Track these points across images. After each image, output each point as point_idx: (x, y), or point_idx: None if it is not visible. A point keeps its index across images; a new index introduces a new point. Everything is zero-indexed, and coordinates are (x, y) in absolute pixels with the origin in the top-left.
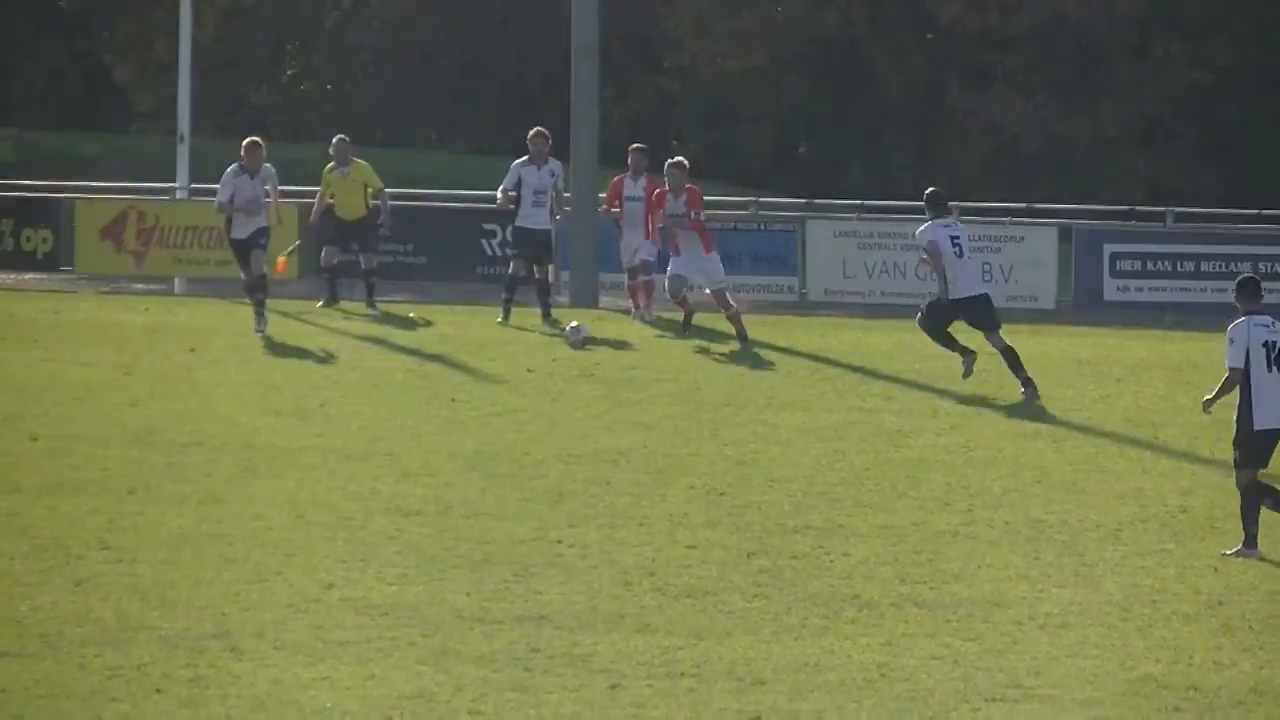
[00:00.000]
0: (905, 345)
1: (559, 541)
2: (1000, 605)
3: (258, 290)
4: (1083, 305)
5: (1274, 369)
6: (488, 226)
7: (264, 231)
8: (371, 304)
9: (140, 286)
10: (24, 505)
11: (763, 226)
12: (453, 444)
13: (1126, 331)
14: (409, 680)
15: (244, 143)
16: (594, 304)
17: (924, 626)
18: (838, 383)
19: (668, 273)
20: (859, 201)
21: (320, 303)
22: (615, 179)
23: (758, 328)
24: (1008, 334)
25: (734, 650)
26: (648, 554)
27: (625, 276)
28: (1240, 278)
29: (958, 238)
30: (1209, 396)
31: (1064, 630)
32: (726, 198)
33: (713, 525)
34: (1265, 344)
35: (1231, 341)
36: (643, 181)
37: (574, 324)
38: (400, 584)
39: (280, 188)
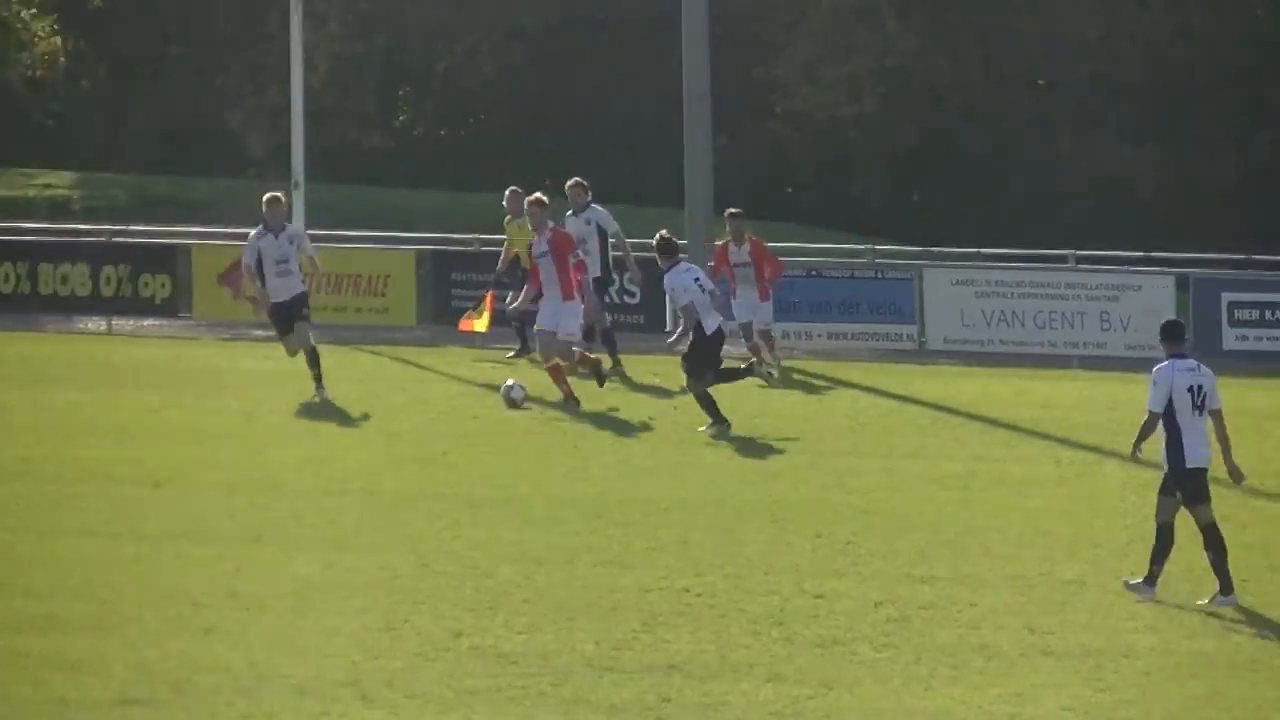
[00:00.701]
0: (1025, 394)
1: (687, 590)
2: (1129, 656)
3: (312, 364)
4: (1201, 354)
5: (1197, 411)
6: None
7: (303, 298)
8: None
9: (259, 333)
10: (151, 552)
11: (880, 274)
12: (577, 492)
13: (1246, 381)
14: None
15: (263, 199)
16: None
17: (1054, 676)
18: (959, 431)
19: (535, 331)
20: (975, 249)
21: (511, 353)
22: (720, 245)
23: (878, 375)
24: (1131, 384)
25: (864, 700)
26: (775, 603)
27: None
28: (1164, 321)
29: (699, 278)
30: (1135, 440)
31: (1193, 680)
32: (843, 245)
33: (840, 574)
34: (1190, 388)
35: (1154, 384)
36: (746, 247)
37: (510, 381)
38: (529, 632)
39: (397, 234)
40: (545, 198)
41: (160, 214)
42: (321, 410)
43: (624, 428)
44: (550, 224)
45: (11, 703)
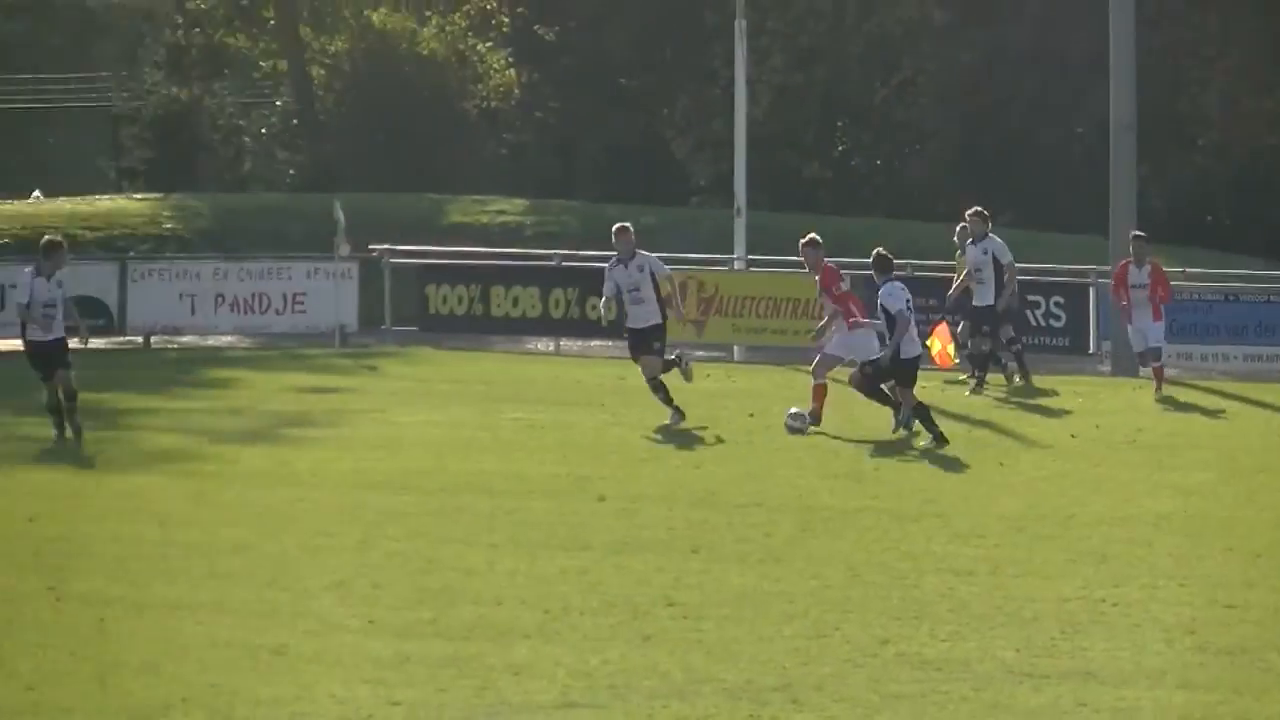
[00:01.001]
0: None
1: (1103, 600)
2: None
3: (657, 389)
4: None
5: None
6: (1031, 298)
7: (658, 330)
8: (1010, 377)
9: (701, 354)
10: (593, 563)
11: None
12: (1001, 506)
13: None
14: None
15: (612, 230)
16: (1135, 374)
17: None
18: None
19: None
20: None
21: (968, 390)
22: (1120, 264)
23: None
24: None
25: (1273, 707)
26: (1188, 613)
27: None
28: None
29: (909, 300)
30: None
31: None
32: (1261, 271)
33: (1251, 585)
34: None
35: None
36: (1147, 269)
37: (793, 410)
38: (952, 640)
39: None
40: (819, 237)
41: (610, 240)
42: (757, 427)
43: (1044, 444)
44: (826, 262)
45: (459, 706)
